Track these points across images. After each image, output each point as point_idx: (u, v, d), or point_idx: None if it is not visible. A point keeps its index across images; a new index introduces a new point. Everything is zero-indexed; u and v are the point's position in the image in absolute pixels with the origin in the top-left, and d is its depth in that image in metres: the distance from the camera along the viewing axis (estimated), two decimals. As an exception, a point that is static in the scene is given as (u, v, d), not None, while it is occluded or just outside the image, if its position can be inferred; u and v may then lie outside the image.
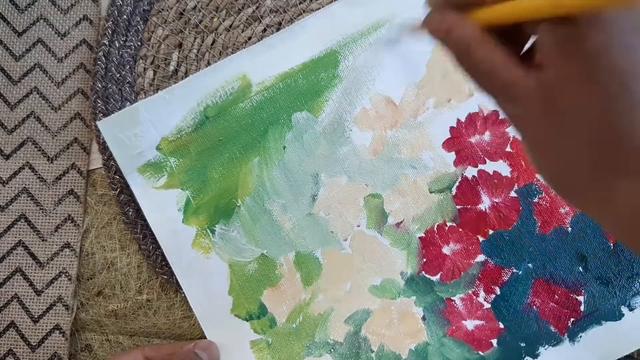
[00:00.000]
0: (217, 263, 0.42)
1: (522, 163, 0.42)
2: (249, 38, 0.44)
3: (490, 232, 0.42)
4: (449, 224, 0.42)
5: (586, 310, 0.41)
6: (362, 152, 0.42)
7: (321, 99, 0.42)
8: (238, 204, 0.42)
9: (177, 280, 0.42)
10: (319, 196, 0.42)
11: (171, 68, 0.44)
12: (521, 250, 0.42)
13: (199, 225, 0.42)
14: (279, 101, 0.42)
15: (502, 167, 0.42)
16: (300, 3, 0.44)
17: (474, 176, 0.42)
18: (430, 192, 0.42)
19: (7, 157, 0.44)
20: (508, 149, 0.42)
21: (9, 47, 0.45)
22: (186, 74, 0.44)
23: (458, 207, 0.42)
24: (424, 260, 0.42)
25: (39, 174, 0.44)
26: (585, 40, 0.20)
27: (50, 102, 0.44)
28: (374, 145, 0.42)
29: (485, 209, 0.42)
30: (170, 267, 0.42)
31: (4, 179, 0.44)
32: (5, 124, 0.44)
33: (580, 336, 0.41)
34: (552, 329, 0.41)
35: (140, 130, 0.42)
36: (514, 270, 0.42)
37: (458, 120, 0.42)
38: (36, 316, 0.43)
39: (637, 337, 0.41)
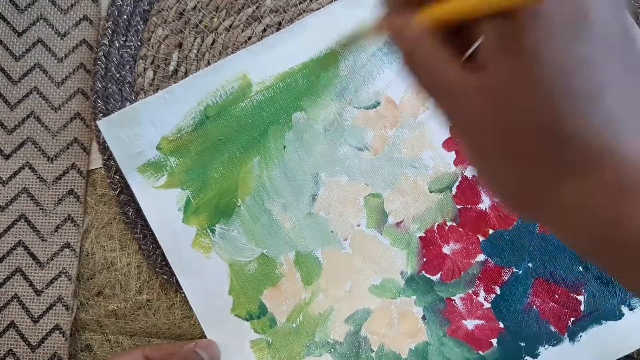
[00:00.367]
0: (217, 263, 0.42)
1: (522, 162, 0.42)
2: (249, 38, 0.44)
3: (491, 231, 0.42)
4: (449, 223, 0.42)
5: (586, 310, 0.41)
6: (362, 152, 0.42)
7: (321, 98, 0.42)
8: (238, 204, 0.42)
9: (177, 280, 0.42)
10: (319, 196, 0.42)
11: (171, 68, 0.44)
12: (521, 249, 0.42)
13: (199, 224, 0.42)
14: (279, 101, 0.42)
15: (502, 167, 0.42)
16: (300, 3, 0.44)
17: (474, 176, 0.42)
18: (431, 192, 0.42)
19: (7, 157, 0.44)
20: (508, 148, 0.42)
21: (9, 47, 0.45)
22: (186, 74, 0.44)
23: (458, 206, 0.42)
24: (424, 259, 0.42)
25: (39, 174, 0.44)
26: (524, 37, 0.19)
27: (50, 102, 0.44)
28: (374, 145, 0.42)
29: (486, 209, 0.42)
30: (170, 267, 0.42)
31: (4, 179, 0.44)
32: (5, 124, 0.44)
33: (581, 336, 0.41)
34: (552, 328, 0.41)
35: (141, 130, 0.42)
36: (514, 270, 0.42)
37: (458, 119, 0.42)
38: (36, 316, 0.42)
39: (637, 337, 0.41)
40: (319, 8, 0.43)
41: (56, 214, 0.43)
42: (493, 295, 0.42)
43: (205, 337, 0.42)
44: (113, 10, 0.44)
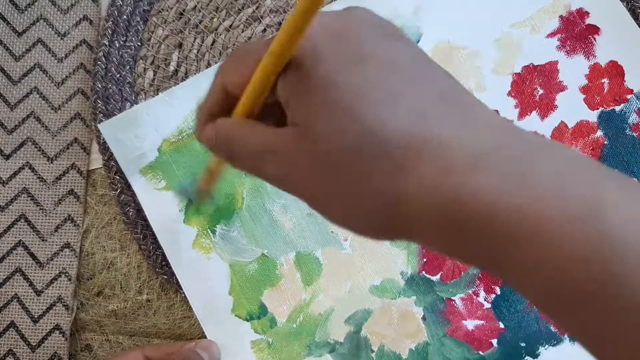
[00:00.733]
0: (217, 263, 0.42)
1: (522, 163, 0.42)
2: (249, 38, 0.44)
3: (490, 231, 0.42)
4: (449, 223, 0.42)
5: (586, 310, 0.41)
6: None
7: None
8: (238, 204, 0.42)
9: (177, 280, 0.42)
10: (319, 196, 0.42)
11: (171, 68, 0.44)
12: (521, 250, 0.42)
13: (200, 225, 0.42)
14: (279, 101, 0.42)
15: (502, 167, 0.42)
16: (300, 3, 0.44)
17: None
18: (431, 192, 0.42)
19: (7, 157, 0.44)
20: (508, 148, 0.42)
21: (9, 47, 0.45)
22: (186, 74, 0.44)
23: (458, 207, 0.42)
24: (424, 259, 0.42)
25: (39, 174, 0.44)
26: (309, 78, 0.20)
27: (50, 102, 0.44)
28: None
29: (485, 209, 0.42)
30: (170, 267, 0.42)
31: (4, 179, 0.44)
32: (5, 124, 0.44)
33: (580, 336, 0.41)
34: (553, 328, 0.41)
35: (142, 132, 0.42)
36: (514, 270, 0.42)
37: (458, 120, 0.42)
38: (36, 316, 0.42)
39: (636, 336, 0.41)
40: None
41: (56, 214, 0.43)
42: (493, 296, 0.42)
43: (205, 337, 0.42)
44: (113, 10, 0.44)
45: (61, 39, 0.45)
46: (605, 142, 0.43)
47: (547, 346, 0.41)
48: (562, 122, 0.43)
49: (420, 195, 0.19)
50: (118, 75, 0.44)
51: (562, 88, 0.43)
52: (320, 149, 0.21)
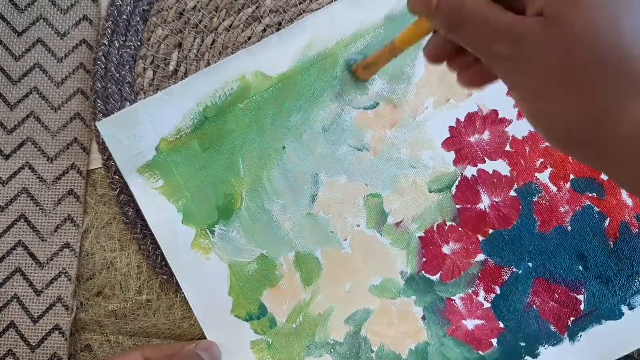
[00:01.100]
0: (216, 263, 0.42)
1: (522, 162, 0.42)
2: (249, 38, 0.44)
3: (490, 231, 0.42)
4: (448, 223, 0.42)
5: (586, 309, 0.41)
6: (362, 152, 0.42)
7: (320, 99, 0.42)
8: (237, 204, 0.42)
9: (176, 281, 0.42)
10: (318, 196, 0.42)
11: (171, 68, 0.44)
12: (521, 249, 0.42)
13: (199, 225, 0.42)
14: (278, 101, 0.42)
15: (502, 167, 0.42)
16: (300, 3, 0.44)
17: (473, 175, 0.42)
18: (430, 192, 0.42)
19: (7, 157, 0.44)
20: (507, 148, 0.42)
21: (9, 47, 0.45)
22: (186, 74, 0.44)
23: (458, 206, 0.42)
24: (424, 259, 0.42)
25: (39, 174, 0.44)
26: None
27: (50, 102, 0.44)
28: (373, 145, 0.42)
29: (485, 208, 0.42)
30: (170, 267, 0.42)
31: (4, 179, 0.44)
32: (5, 124, 0.44)
33: (580, 335, 0.41)
34: (552, 328, 0.41)
35: (140, 131, 0.42)
36: (514, 270, 0.42)
37: (457, 119, 0.42)
38: (36, 316, 0.43)
39: (637, 336, 0.41)
40: (319, 8, 0.43)
41: (56, 214, 0.43)
42: (493, 295, 0.42)
43: (204, 337, 0.42)
44: (113, 10, 0.44)
45: (61, 38, 0.45)
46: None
47: (546, 346, 0.41)
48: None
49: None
50: (118, 75, 0.44)
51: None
52: (573, 40, 0.21)
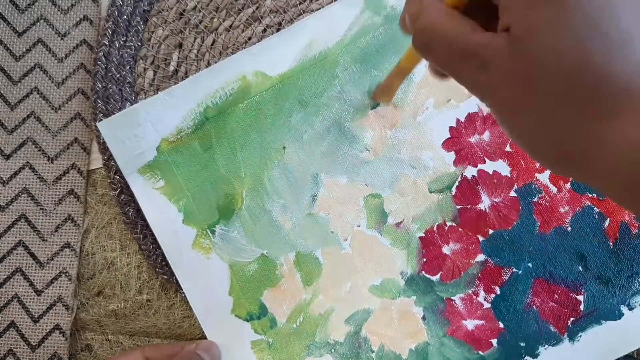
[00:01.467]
0: (217, 263, 0.42)
1: (522, 162, 0.42)
2: (249, 38, 0.44)
3: (490, 231, 0.42)
4: (448, 223, 0.42)
5: (586, 310, 0.41)
6: (362, 153, 0.42)
7: (321, 99, 0.42)
8: (238, 205, 0.42)
9: (177, 280, 0.42)
10: (318, 196, 0.42)
11: (171, 68, 0.44)
12: (521, 249, 0.42)
13: (199, 225, 0.42)
14: (279, 102, 0.42)
15: (502, 167, 0.42)
16: (300, 3, 0.44)
17: (473, 176, 0.42)
18: (430, 192, 0.42)
19: (7, 157, 0.44)
20: (507, 148, 0.42)
21: (9, 47, 0.45)
22: (186, 74, 0.44)
23: (458, 206, 0.42)
24: (424, 260, 0.42)
25: (39, 174, 0.44)
26: None
27: (50, 102, 0.44)
28: (373, 146, 0.42)
29: (485, 209, 0.42)
30: (170, 267, 0.42)
31: (4, 179, 0.44)
32: (6, 124, 0.44)
33: (580, 336, 0.41)
34: (552, 328, 0.41)
35: (141, 131, 0.42)
36: (514, 270, 0.42)
37: (457, 120, 0.43)
38: (36, 316, 0.43)
39: (636, 336, 0.41)
40: (319, 8, 0.43)
41: (56, 214, 0.43)
42: (493, 295, 0.42)
43: (205, 337, 0.42)
44: (113, 10, 0.44)
45: (61, 39, 0.45)
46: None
47: (546, 346, 0.41)
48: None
49: (618, 145, 0.19)
50: (118, 75, 0.44)
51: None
52: (536, 65, 0.20)
